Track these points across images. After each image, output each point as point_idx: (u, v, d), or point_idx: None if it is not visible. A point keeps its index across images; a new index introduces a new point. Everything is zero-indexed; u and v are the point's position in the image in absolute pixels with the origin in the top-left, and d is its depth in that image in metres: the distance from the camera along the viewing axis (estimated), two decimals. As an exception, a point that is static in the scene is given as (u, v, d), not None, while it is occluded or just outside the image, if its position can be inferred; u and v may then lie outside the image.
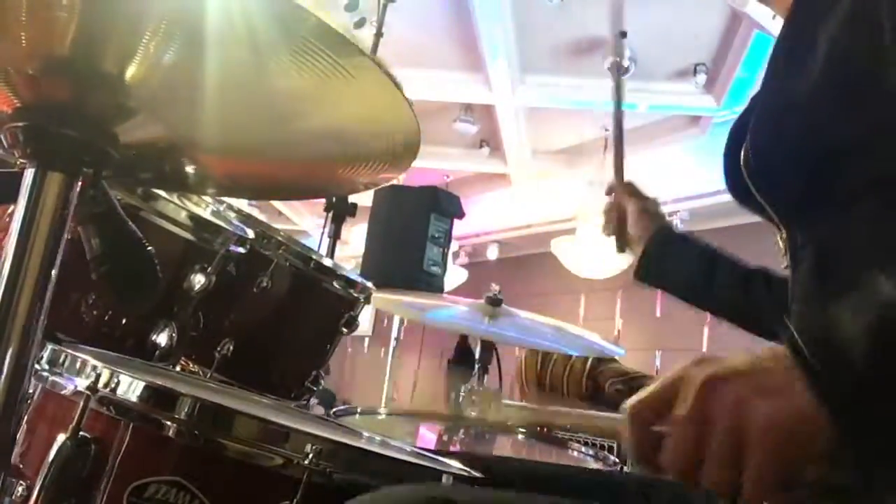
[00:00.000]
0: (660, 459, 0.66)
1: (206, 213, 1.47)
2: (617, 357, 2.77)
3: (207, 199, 1.54)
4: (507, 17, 4.70)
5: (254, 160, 0.88)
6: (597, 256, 5.94)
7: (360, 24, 3.46)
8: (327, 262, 1.69)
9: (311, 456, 0.81)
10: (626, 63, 4.70)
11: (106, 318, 1.26)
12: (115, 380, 0.86)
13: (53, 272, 0.70)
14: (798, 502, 0.68)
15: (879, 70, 0.71)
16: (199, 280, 1.33)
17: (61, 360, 0.93)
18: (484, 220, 7.63)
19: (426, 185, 4.22)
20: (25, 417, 0.92)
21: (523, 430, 2.08)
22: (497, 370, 2.20)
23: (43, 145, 0.70)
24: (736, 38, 4.57)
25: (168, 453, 0.84)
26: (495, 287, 1.94)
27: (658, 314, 6.63)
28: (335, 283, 1.64)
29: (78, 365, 0.90)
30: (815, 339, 0.63)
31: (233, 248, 1.40)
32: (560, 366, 2.83)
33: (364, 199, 3.89)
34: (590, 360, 2.79)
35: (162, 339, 1.31)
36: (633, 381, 2.73)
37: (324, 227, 2.82)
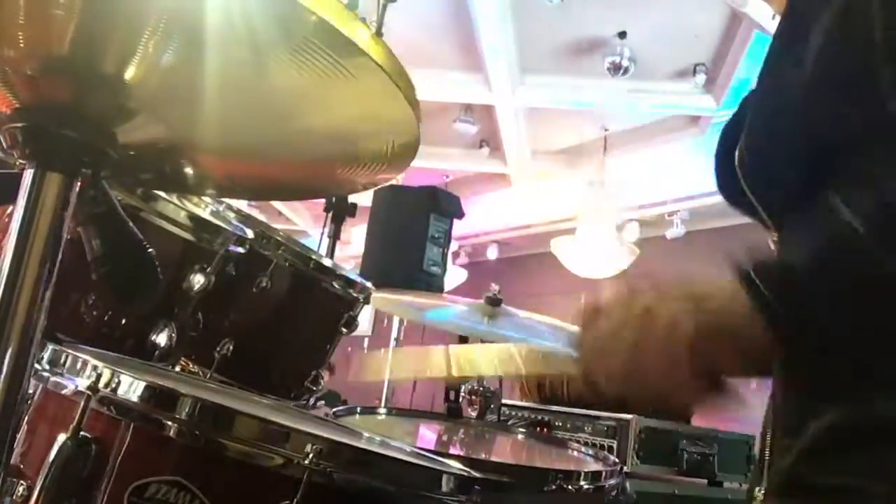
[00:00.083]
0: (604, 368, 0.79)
1: (205, 214, 1.47)
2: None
3: (207, 199, 1.54)
4: (507, 18, 4.71)
5: (253, 160, 0.88)
6: (597, 256, 5.95)
7: (359, 23, 3.46)
8: (327, 262, 1.69)
9: (311, 456, 0.81)
10: (625, 62, 4.71)
11: (106, 318, 1.26)
12: (116, 380, 0.86)
13: (53, 272, 0.70)
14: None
15: (872, 68, 0.71)
16: (198, 280, 1.33)
17: (62, 360, 0.93)
18: (484, 220, 7.64)
19: (426, 185, 4.23)
20: (26, 417, 0.92)
21: (523, 431, 2.08)
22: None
23: (42, 146, 0.70)
24: (736, 37, 4.58)
25: (169, 453, 0.84)
26: (495, 287, 1.94)
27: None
28: (335, 284, 1.64)
29: (79, 365, 0.90)
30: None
31: (232, 248, 1.40)
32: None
33: (364, 199, 3.90)
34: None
35: (162, 339, 1.31)
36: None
37: (323, 227, 2.82)
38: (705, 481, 2.58)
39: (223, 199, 1.61)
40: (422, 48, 4.98)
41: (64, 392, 0.89)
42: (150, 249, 0.88)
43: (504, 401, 2.57)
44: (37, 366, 0.92)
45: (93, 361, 0.89)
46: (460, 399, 2.11)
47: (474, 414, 2.06)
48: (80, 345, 1.06)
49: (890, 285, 0.68)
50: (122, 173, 0.83)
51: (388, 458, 0.98)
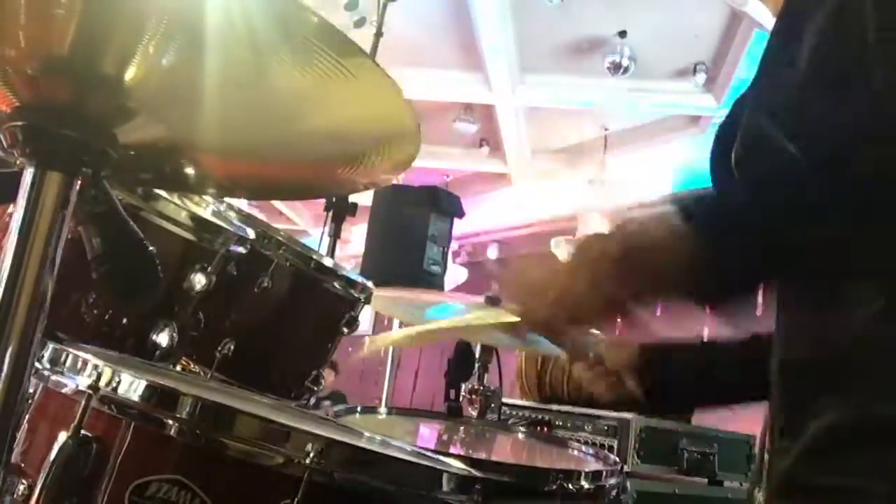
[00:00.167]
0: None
1: (206, 213, 1.47)
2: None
3: (208, 198, 1.54)
4: (508, 17, 4.71)
5: (254, 160, 0.88)
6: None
7: (360, 23, 3.47)
8: (328, 262, 1.69)
9: (312, 455, 0.81)
10: (625, 62, 4.71)
11: (106, 317, 1.26)
12: (117, 379, 0.86)
13: (53, 272, 0.70)
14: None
15: (865, 68, 0.71)
16: (199, 280, 1.33)
17: (63, 359, 0.93)
18: (484, 220, 7.64)
19: (426, 184, 4.23)
20: (27, 416, 0.92)
21: (523, 430, 2.08)
22: (497, 370, 2.20)
23: (42, 145, 0.71)
24: (736, 37, 4.58)
25: (169, 452, 0.84)
26: (495, 286, 1.94)
27: (658, 313, 6.63)
28: (336, 284, 1.64)
29: (79, 364, 0.91)
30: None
31: (233, 248, 1.40)
32: (560, 365, 2.83)
33: (364, 198, 3.90)
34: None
35: (163, 338, 1.31)
36: (634, 381, 2.72)
37: (324, 226, 2.82)
38: (706, 480, 2.58)
39: (224, 199, 1.61)
40: (422, 48, 4.98)
41: (65, 391, 0.89)
42: (150, 248, 0.88)
43: (504, 400, 2.57)
44: (37, 365, 0.92)
45: (93, 360, 0.89)
46: (460, 398, 2.11)
47: (475, 413, 2.06)
48: (81, 344, 1.06)
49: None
50: (122, 173, 0.83)
51: (388, 457, 0.98)
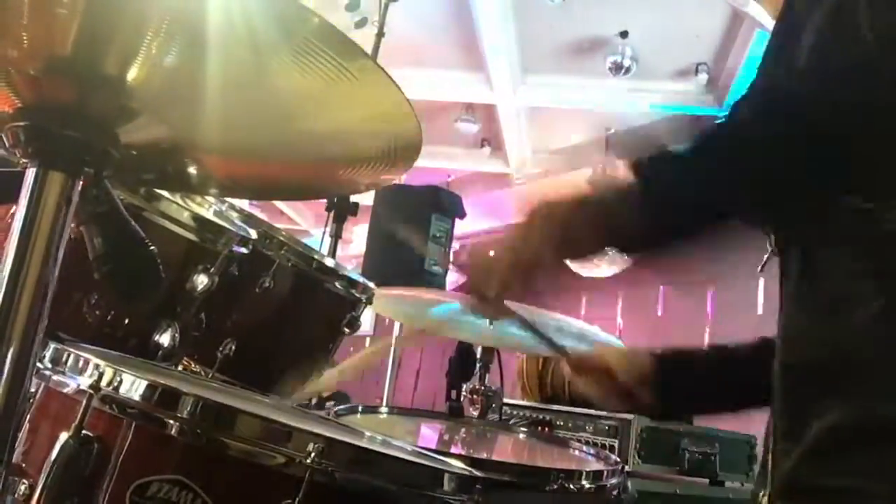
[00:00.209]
0: None
1: (208, 214, 1.47)
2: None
3: (210, 199, 1.54)
4: (509, 17, 4.71)
5: (256, 161, 0.88)
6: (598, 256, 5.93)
7: (361, 23, 3.47)
8: (329, 262, 1.69)
9: (313, 455, 0.81)
10: (627, 62, 4.71)
11: (108, 317, 1.26)
12: (118, 378, 0.86)
13: (55, 272, 0.71)
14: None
15: (863, 64, 0.72)
16: (201, 280, 1.33)
17: (64, 359, 0.93)
18: (485, 220, 7.63)
19: (428, 184, 4.22)
20: (28, 416, 0.92)
21: (524, 430, 2.08)
22: (498, 370, 2.20)
23: (44, 145, 0.71)
24: (737, 37, 4.57)
25: (170, 452, 0.84)
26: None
27: (659, 313, 6.63)
28: (337, 284, 1.64)
29: (80, 364, 0.91)
30: None
31: (235, 248, 1.40)
32: (561, 365, 2.82)
33: (366, 198, 3.90)
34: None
35: (164, 339, 1.31)
36: (635, 381, 2.72)
37: (325, 226, 2.82)
38: (707, 481, 2.58)
39: (226, 199, 1.61)
40: (423, 48, 4.98)
41: (66, 391, 0.89)
42: (152, 248, 0.88)
43: (505, 400, 2.57)
44: (39, 364, 0.92)
45: (95, 360, 0.89)
46: (462, 398, 2.11)
47: (476, 413, 2.06)
48: (83, 344, 1.06)
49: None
50: (124, 173, 0.83)
51: (389, 457, 0.98)
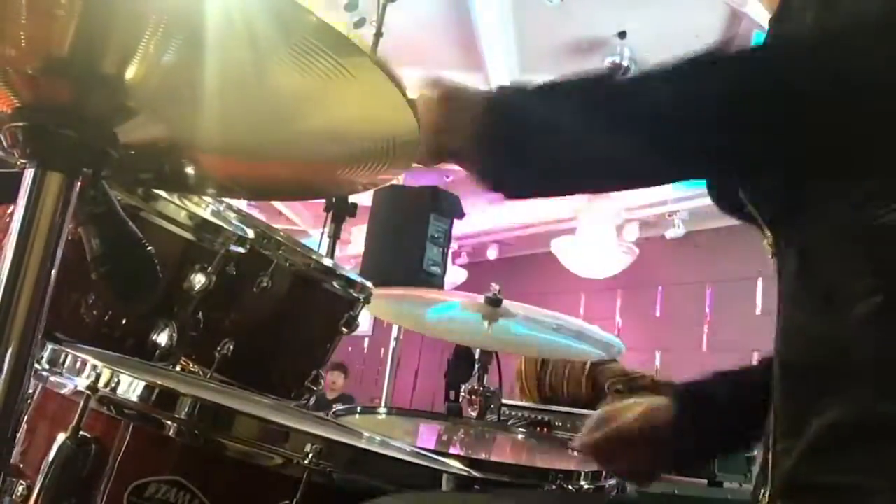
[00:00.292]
0: None
1: (206, 213, 1.47)
2: (617, 357, 2.77)
3: (207, 199, 1.54)
4: (507, 18, 4.71)
5: (253, 160, 0.88)
6: (597, 256, 5.95)
7: (359, 23, 3.46)
8: (327, 262, 1.69)
9: (310, 456, 0.81)
10: (625, 62, 4.71)
11: (106, 318, 1.26)
12: (116, 379, 0.86)
13: (53, 272, 0.70)
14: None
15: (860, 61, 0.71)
16: (199, 280, 1.33)
17: (62, 360, 0.93)
18: (484, 221, 7.63)
19: (426, 184, 4.22)
20: (26, 417, 0.92)
21: (523, 430, 2.08)
22: (497, 370, 2.20)
23: (42, 145, 0.71)
24: (736, 37, 4.57)
25: (168, 453, 0.84)
26: (495, 286, 1.94)
27: (658, 314, 6.63)
28: (335, 284, 1.64)
29: (78, 364, 0.90)
30: None
31: (233, 248, 1.40)
32: (560, 366, 2.83)
33: (364, 198, 3.89)
34: (589, 360, 2.79)
35: (162, 339, 1.31)
36: (633, 381, 2.73)
37: (323, 226, 2.82)
38: (705, 481, 2.58)
39: (223, 199, 1.61)
40: (422, 48, 4.98)
41: (63, 392, 0.89)
42: (149, 248, 0.88)
43: (504, 401, 2.57)
44: (36, 365, 0.92)
45: (92, 361, 0.89)
46: (460, 399, 2.11)
47: (474, 414, 2.06)
48: (80, 344, 1.06)
49: None
50: (122, 173, 0.83)
51: (387, 457, 0.98)
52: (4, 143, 0.71)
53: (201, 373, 1.49)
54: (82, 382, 0.86)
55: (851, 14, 0.72)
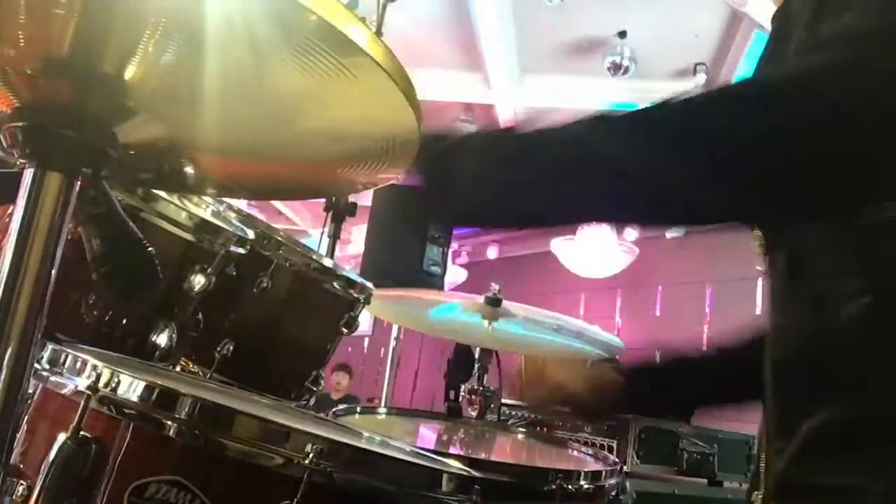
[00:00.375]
0: None
1: (206, 214, 1.47)
2: (617, 357, 2.77)
3: (207, 199, 1.54)
4: (507, 17, 4.71)
5: (253, 160, 0.88)
6: (597, 256, 5.95)
7: (359, 23, 3.46)
8: (327, 262, 1.69)
9: (311, 456, 0.81)
10: (625, 62, 4.71)
11: (106, 318, 1.26)
12: (116, 379, 0.86)
13: (53, 272, 0.70)
14: None
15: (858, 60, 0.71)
16: (199, 280, 1.33)
17: (62, 360, 0.93)
18: (484, 220, 7.62)
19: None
20: (26, 417, 0.92)
21: (523, 430, 2.08)
22: (497, 370, 2.20)
23: (42, 145, 0.70)
24: (736, 37, 4.58)
25: (168, 453, 0.84)
26: (495, 286, 1.94)
27: (658, 314, 6.63)
28: (335, 284, 1.64)
29: (78, 365, 0.90)
30: None
31: (233, 248, 1.40)
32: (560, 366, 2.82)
33: (364, 198, 3.89)
34: (589, 362, 2.79)
35: (162, 339, 1.31)
36: (634, 381, 2.72)
37: (323, 226, 2.82)
38: (705, 481, 2.58)
39: (223, 199, 1.61)
40: (422, 48, 4.98)
41: (64, 392, 0.89)
42: (150, 249, 0.88)
43: (504, 400, 2.57)
44: (37, 365, 0.92)
45: (92, 361, 0.89)
46: (460, 399, 2.11)
47: (474, 413, 2.06)
48: (80, 344, 1.06)
49: None
50: (122, 173, 0.82)
51: (387, 457, 0.98)
52: (4, 143, 0.71)
53: (201, 373, 1.49)
54: (83, 382, 0.86)
55: (844, 32, 0.71)
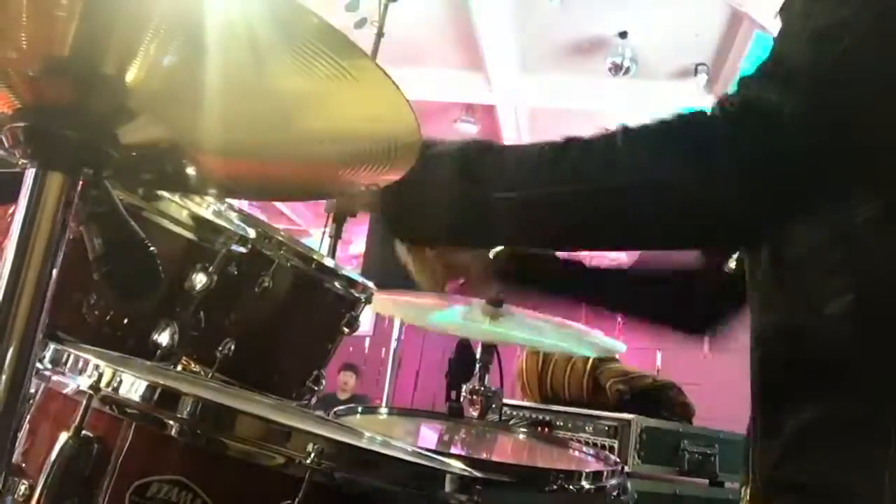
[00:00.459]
0: None
1: (207, 213, 1.47)
2: (618, 357, 2.77)
3: (209, 199, 1.54)
4: (508, 18, 4.71)
5: (255, 161, 0.88)
6: (596, 256, 5.94)
7: (360, 24, 3.47)
8: (329, 262, 1.69)
9: (312, 455, 0.81)
10: (626, 62, 4.72)
11: (108, 317, 1.26)
12: (118, 379, 0.86)
13: (54, 272, 0.71)
14: None
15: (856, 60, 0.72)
16: (200, 280, 1.33)
17: (63, 360, 0.93)
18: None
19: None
20: (28, 417, 0.92)
21: (524, 430, 2.08)
22: (498, 370, 2.20)
23: (44, 146, 0.71)
24: (737, 37, 4.58)
25: (170, 452, 0.84)
26: (497, 287, 1.93)
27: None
28: (336, 283, 1.64)
29: (80, 364, 0.91)
30: None
31: (234, 247, 1.40)
32: (561, 366, 2.83)
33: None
34: (591, 360, 2.79)
35: (163, 338, 1.31)
36: (634, 381, 2.73)
37: (325, 226, 2.82)
38: (707, 481, 2.58)
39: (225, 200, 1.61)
40: (423, 48, 4.99)
41: (66, 391, 0.89)
42: (151, 248, 0.88)
43: (505, 401, 2.57)
44: (38, 365, 0.92)
45: (94, 360, 0.89)
46: (461, 399, 2.11)
47: (475, 414, 2.06)
48: (82, 344, 1.06)
49: None
50: (123, 173, 0.83)
51: (389, 457, 0.98)
52: (6, 144, 0.72)
53: (203, 372, 1.49)
54: (84, 382, 0.86)
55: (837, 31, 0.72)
